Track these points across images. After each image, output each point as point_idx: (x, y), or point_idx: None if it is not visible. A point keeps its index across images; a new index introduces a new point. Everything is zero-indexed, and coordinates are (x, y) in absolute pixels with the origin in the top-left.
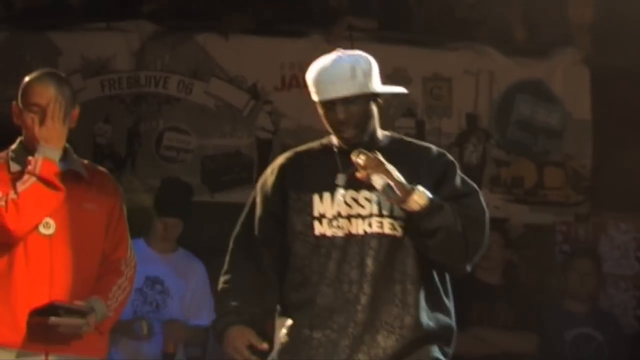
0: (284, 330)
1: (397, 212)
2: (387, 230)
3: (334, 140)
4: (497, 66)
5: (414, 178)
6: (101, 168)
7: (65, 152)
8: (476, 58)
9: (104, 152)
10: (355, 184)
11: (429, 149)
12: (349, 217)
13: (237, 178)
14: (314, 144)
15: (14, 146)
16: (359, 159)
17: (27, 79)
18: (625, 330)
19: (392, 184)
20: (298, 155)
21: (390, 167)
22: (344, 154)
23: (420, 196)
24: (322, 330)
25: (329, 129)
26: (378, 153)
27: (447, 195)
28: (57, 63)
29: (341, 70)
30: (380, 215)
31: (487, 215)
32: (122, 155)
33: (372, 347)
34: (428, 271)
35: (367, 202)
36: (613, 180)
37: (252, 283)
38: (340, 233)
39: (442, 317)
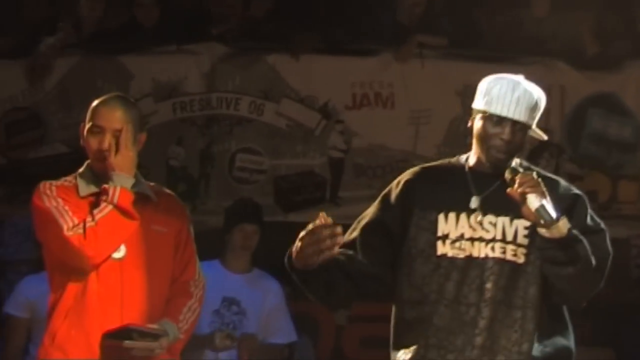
0: (399, 347)
1: (521, 239)
2: (509, 256)
3: (465, 160)
4: (568, 80)
5: None
6: (167, 190)
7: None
8: (547, 72)
9: (177, 174)
10: (483, 208)
11: (557, 181)
12: (472, 240)
13: (310, 198)
14: (443, 162)
15: (81, 170)
16: (517, 176)
17: (95, 102)
18: None
19: (546, 205)
20: (426, 171)
21: (545, 190)
22: (477, 175)
23: (565, 224)
24: (437, 350)
25: (477, 140)
26: (535, 174)
27: (576, 228)
28: (128, 87)
29: (529, 97)
30: (504, 241)
31: (611, 257)
32: (195, 177)
33: None
34: (548, 298)
35: (492, 226)
36: None
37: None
38: (461, 255)
39: (560, 340)
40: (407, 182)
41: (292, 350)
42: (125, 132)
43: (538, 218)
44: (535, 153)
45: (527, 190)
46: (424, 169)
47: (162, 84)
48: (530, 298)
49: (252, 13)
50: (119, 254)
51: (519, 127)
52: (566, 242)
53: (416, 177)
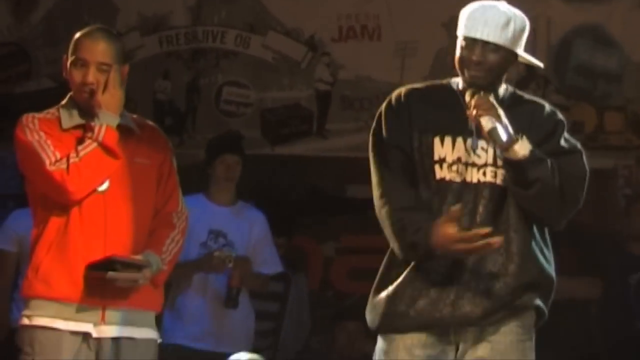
0: (389, 270)
1: None
2: (499, 180)
3: (455, 82)
4: (554, 11)
5: (524, 129)
6: (150, 122)
7: None
8: (533, 4)
9: (164, 108)
10: (476, 132)
11: (543, 106)
12: (466, 165)
13: (297, 130)
14: (433, 84)
15: (64, 101)
16: (473, 98)
17: (77, 34)
18: None
19: (499, 127)
20: (416, 92)
21: (501, 112)
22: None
23: (523, 146)
24: (427, 274)
25: (457, 66)
26: (492, 97)
27: (550, 150)
28: (114, 21)
29: (498, 17)
30: (495, 165)
31: (588, 174)
32: (182, 111)
33: (477, 294)
34: (529, 221)
35: (483, 151)
36: None
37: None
38: (458, 179)
39: (545, 266)
40: (400, 104)
41: (287, 285)
42: (113, 71)
43: (492, 140)
44: (522, 84)
45: (481, 112)
46: (414, 89)
47: (148, 17)
48: (511, 220)
49: None
50: (102, 187)
51: (491, 48)
52: (526, 164)
53: (407, 98)
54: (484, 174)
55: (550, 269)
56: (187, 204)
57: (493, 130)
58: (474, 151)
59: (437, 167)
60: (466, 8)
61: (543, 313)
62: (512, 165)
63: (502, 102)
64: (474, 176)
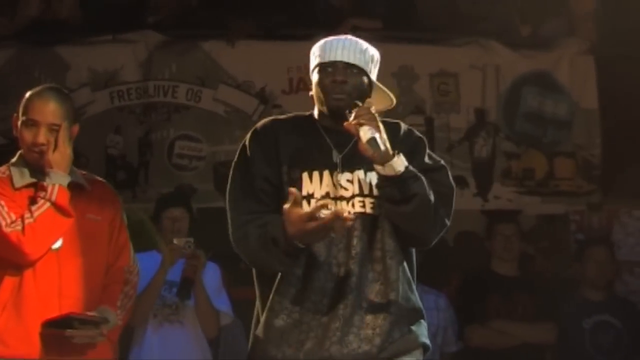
0: (273, 313)
1: (376, 190)
2: (368, 209)
3: (316, 115)
4: (502, 60)
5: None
6: (99, 178)
7: None
8: (482, 53)
9: (116, 163)
10: (341, 165)
11: (399, 125)
12: (335, 199)
13: None
14: (296, 115)
15: (14, 159)
16: (354, 109)
17: (28, 93)
18: None
19: (378, 137)
20: (281, 124)
21: (381, 125)
22: (331, 132)
23: (399, 162)
24: (312, 314)
25: (320, 95)
26: (373, 108)
27: (416, 168)
28: (65, 77)
29: (353, 43)
30: (362, 194)
31: (455, 191)
32: (135, 166)
33: (362, 327)
34: (403, 248)
35: (349, 183)
36: (623, 167)
37: None
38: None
39: (416, 296)
40: (266, 136)
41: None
42: (62, 129)
43: (369, 150)
44: (472, 132)
45: (362, 122)
46: (278, 121)
47: (99, 73)
48: (387, 247)
49: (187, 0)
50: (56, 244)
51: (354, 70)
52: (401, 180)
53: (274, 130)
54: (353, 205)
55: (417, 295)
56: (142, 261)
57: (372, 140)
58: (341, 184)
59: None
60: (317, 44)
61: (428, 348)
62: (390, 182)
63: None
64: (344, 209)
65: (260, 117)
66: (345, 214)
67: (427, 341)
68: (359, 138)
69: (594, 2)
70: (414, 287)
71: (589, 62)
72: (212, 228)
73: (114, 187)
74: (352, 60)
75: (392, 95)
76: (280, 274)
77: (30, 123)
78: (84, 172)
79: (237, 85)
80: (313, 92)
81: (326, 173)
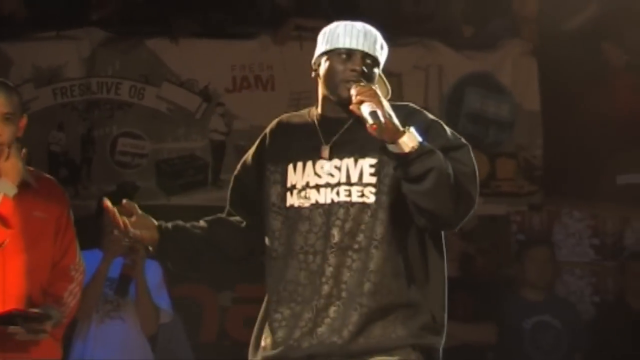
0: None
1: (367, 178)
2: (355, 198)
3: (315, 110)
4: (445, 60)
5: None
6: (47, 175)
7: None
8: (425, 53)
9: (58, 160)
10: (329, 153)
11: (407, 106)
12: (317, 187)
13: (192, 181)
14: (301, 112)
15: None
16: (354, 88)
17: None
18: (582, 316)
19: (379, 111)
20: (280, 124)
21: (385, 102)
22: (325, 121)
23: (411, 138)
24: (287, 303)
25: (325, 83)
26: (376, 87)
27: (437, 146)
28: (8, 73)
29: (370, 32)
30: (349, 183)
31: (477, 170)
32: (77, 162)
33: (335, 319)
34: (400, 237)
35: (337, 170)
36: (565, 169)
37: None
38: (306, 204)
39: (408, 288)
40: (262, 137)
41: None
42: (16, 144)
43: (372, 121)
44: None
45: (362, 99)
46: (279, 121)
47: (42, 69)
48: (376, 237)
49: None
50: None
51: (370, 61)
52: (416, 156)
53: (270, 131)
54: (338, 193)
55: (417, 291)
56: (84, 259)
57: (372, 113)
58: (326, 172)
59: (288, 194)
60: (328, 28)
61: (426, 349)
62: (403, 159)
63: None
64: (327, 196)
65: (204, 115)
66: (106, 202)
67: (424, 341)
68: (363, 119)
69: (537, 3)
70: (414, 281)
71: (532, 64)
72: None
73: None
74: (371, 52)
75: (388, 86)
76: (266, 270)
77: None
78: (32, 169)
79: (180, 83)
80: (321, 80)
81: (309, 163)
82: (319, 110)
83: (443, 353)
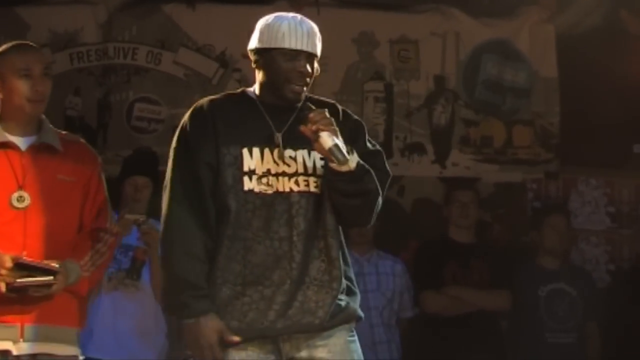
0: (215, 286)
1: (319, 170)
2: (312, 188)
3: (252, 93)
4: (463, 27)
5: None
6: (79, 138)
7: (40, 124)
8: (442, 20)
9: (74, 124)
10: (283, 142)
11: (336, 105)
12: (277, 175)
13: None
14: (231, 94)
15: None
16: (311, 114)
17: (9, 51)
18: (598, 284)
19: (340, 144)
20: (215, 106)
21: (336, 128)
22: (270, 108)
23: (354, 160)
24: (255, 286)
25: (276, 79)
26: (327, 111)
27: (359, 151)
28: (25, 38)
29: (312, 29)
30: (306, 174)
31: (390, 177)
32: (93, 127)
33: (305, 302)
34: (339, 225)
35: (292, 160)
36: (581, 136)
37: (205, 253)
38: (269, 191)
39: (351, 275)
40: (206, 115)
41: None
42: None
43: (331, 157)
44: (431, 99)
45: (321, 127)
46: (214, 100)
47: (59, 34)
48: (328, 226)
49: None
50: (23, 203)
51: (312, 60)
52: (355, 177)
53: (210, 110)
54: (297, 182)
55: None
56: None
57: (334, 147)
58: (283, 161)
59: (246, 178)
60: (269, 20)
61: (361, 319)
62: (344, 177)
63: (302, 109)
64: (285, 185)
65: (220, 81)
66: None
67: (361, 313)
68: (316, 143)
69: None
70: (349, 260)
71: (549, 31)
72: None
73: None
74: (314, 51)
75: (318, 69)
76: (218, 249)
77: (24, 74)
78: (63, 132)
79: (197, 49)
80: (262, 72)
81: (267, 150)
82: (260, 96)
83: (459, 319)
